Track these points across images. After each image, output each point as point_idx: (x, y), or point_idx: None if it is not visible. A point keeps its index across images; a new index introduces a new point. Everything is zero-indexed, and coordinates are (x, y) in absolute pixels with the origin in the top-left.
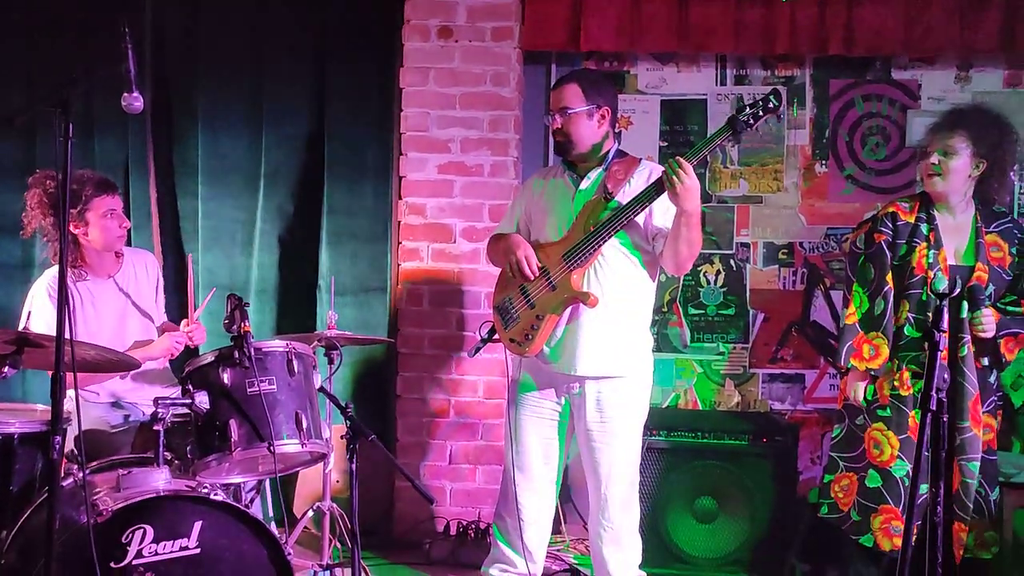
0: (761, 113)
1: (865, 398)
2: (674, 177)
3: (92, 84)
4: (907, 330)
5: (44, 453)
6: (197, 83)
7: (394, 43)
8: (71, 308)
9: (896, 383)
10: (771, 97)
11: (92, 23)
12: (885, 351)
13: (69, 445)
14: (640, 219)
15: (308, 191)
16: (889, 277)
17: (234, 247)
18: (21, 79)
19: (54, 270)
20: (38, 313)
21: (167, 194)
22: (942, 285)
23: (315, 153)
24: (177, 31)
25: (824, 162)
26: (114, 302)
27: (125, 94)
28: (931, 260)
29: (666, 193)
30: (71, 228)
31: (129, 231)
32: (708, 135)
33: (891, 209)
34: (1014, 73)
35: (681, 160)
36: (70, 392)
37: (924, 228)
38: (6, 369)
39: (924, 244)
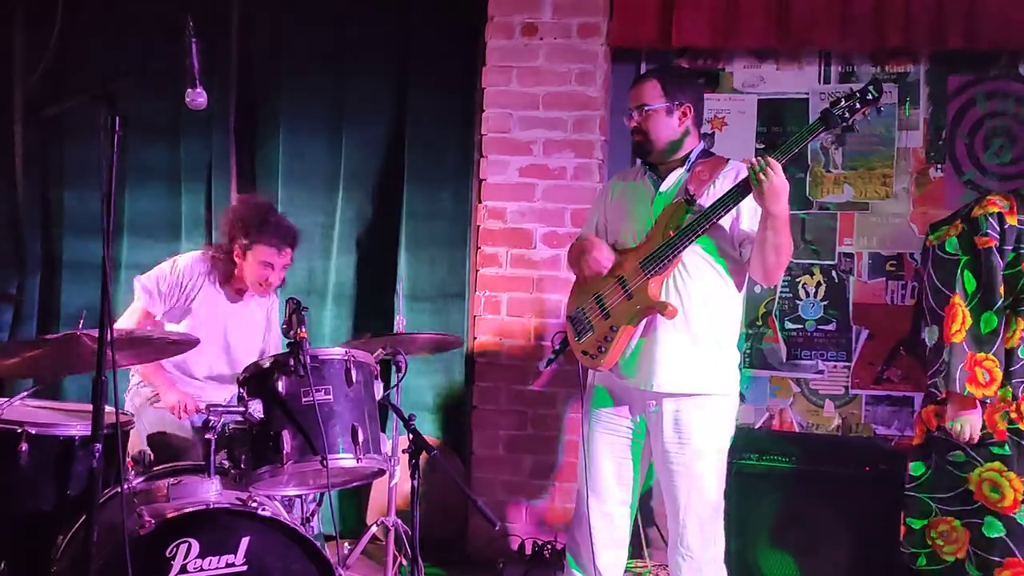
0: (858, 106)
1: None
2: (760, 175)
3: (177, 87)
4: (1022, 352)
5: (104, 456)
6: (280, 86)
7: (477, 42)
8: (188, 304)
9: (1013, 415)
10: (870, 88)
11: (180, 29)
12: (999, 375)
13: (140, 446)
14: (726, 223)
15: (387, 194)
16: (1002, 289)
17: (313, 250)
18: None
19: (192, 255)
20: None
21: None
22: None
23: (395, 156)
24: (262, 36)
25: (940, 166)
26: (232, 319)
27: (189, 90)
28: None
29: (752, 193)
30: (236, 253)
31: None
32: (800, 129)
33: (993, 208)
34: None
35: (769, 158)
36: (140, 391)
37: None
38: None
39: None
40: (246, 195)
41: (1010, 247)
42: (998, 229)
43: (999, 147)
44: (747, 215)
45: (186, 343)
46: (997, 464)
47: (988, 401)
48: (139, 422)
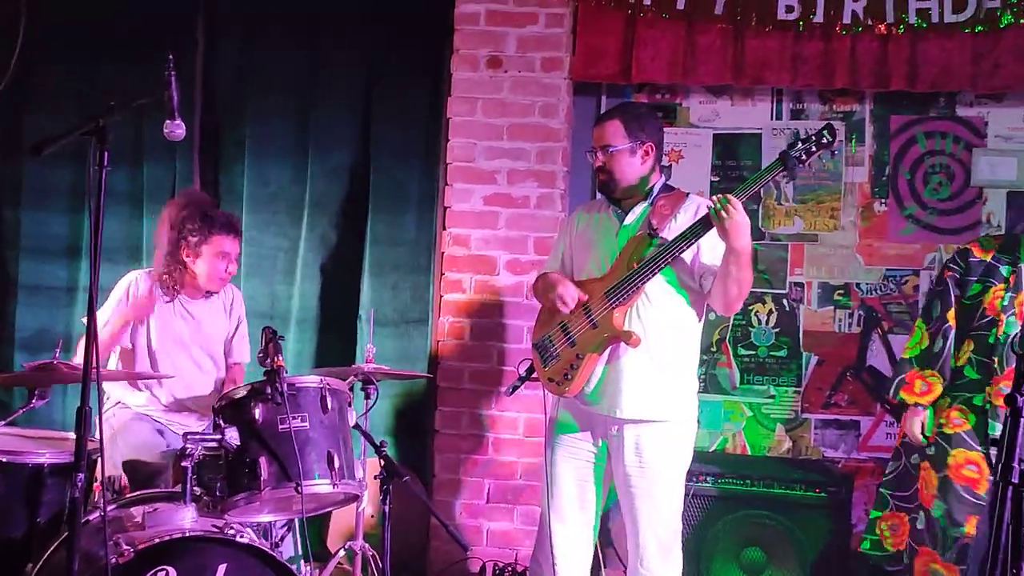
0: (814, 148)
1: (924, 434)
2: (722, 212)
3: (140, 111)
4: (967, 371)
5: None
6: (245, 113)
7: (442, 73)
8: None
9: (943, 420)
10: (824, 132)
11: (145, 52)
12: (938, 389)
13: (112, 470)
14: (687, 256)
15: (352, 220)
16: (951, 314)
17: (276, 276)
18: (70, 105)
19: (141, 272)
20: (107, 304)
21: None
22: (1014, 330)
23: (360, 182)
24: (228, 61)
25: (884, 200)
26: (195, 322)
27: (167, 121)
28: (1006, 303)
29: (714, 229)
30: (183, 253)
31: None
32: (759, 170)
33: (965, 246)
34: None
35: (730, 196)
36: (117, 412)
37: (1004, 269)
38: (35, 400)
39: (1002, 285)
40: (178, 198)
41: (975, 278)
42: (960, 264)
43: (938, 183)
44: (708, 249)
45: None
46: (926, 462)
47: (922, 408)
48: (113, 446)
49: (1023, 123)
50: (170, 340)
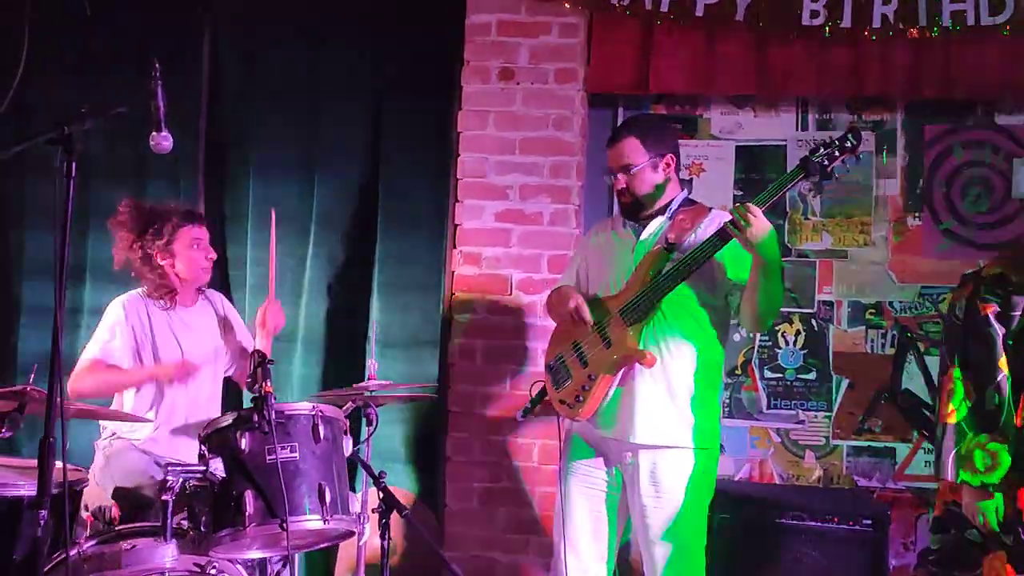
0: (837, 153)
1: (998, 521)
2: (742, 222)
3: (145, 127)
4: None
5: (54, 517)
6: (251, 129)
7: (453, 86)
8: (153, 337)
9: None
10: (849, 136)
11: (148, 67)
12: (1006, 460)
13: (102, 501)
14: (710, 273)
15: (360, 239)
16: (1003, 362)
17: (283, 295)
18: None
19: (132, 294)
20: (97, 334)
21: (217, 241)
22: None
23: (368, 200)
24: (233, 78)
25: (918, 214)
26: (189, 335)
27: (153, 133)
28: None
29: (734, 241)
30: (158, 259)
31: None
32: (779, 177)
33: (998, 270)
34: None
35: (749, 204)
36: (114, 442)
37: None
38: (3, 429)
39: None
40: (120, 212)
41: (1019, 312)
42: (996, 292)
43: (976, 196)
44: (732, 263)
45: (137, 419)
46: (1001, 555)
47: (990, 488)
48: (105, 475)
49: None
50: (168, 356)
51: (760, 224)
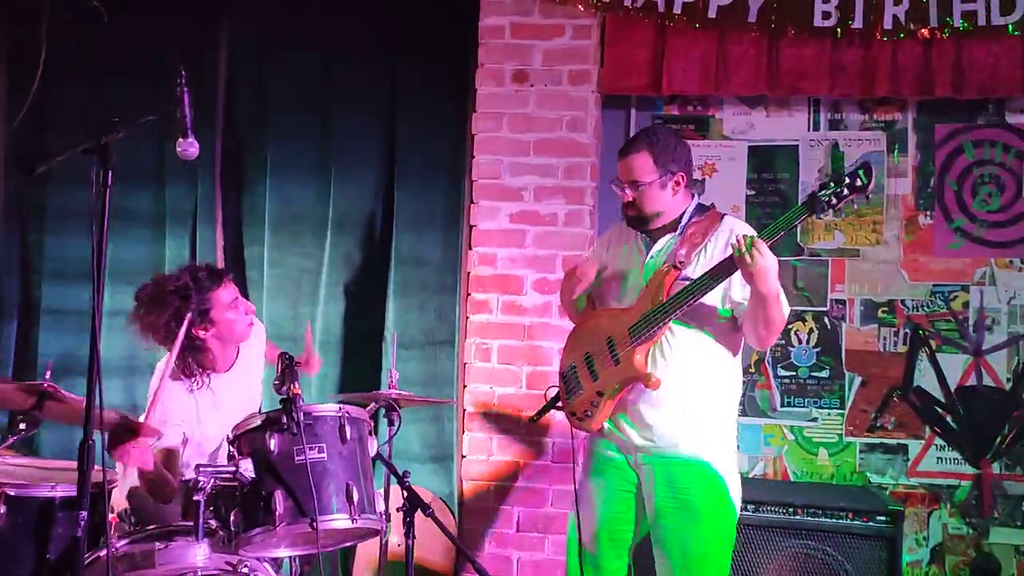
0: (846, 192)
1: None
2: (746, 256)
3: (161, 130)
4: None
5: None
6: (267, 132)
7: (467, 88)
8: (197, 414)
9: None
10: (860, 173)
11: (167, 75)
12: None
13: (122, 504)
14: (718, 294)
15: (376, 240)
16: None
17: (299, 297)
18: (91, 127)
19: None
20: (159, 411)
21: (234, 242)
22: None
23: (384, 201)
24: (249, 80)
25: (929, 213)
26: (237, 391)
27: (180, 139)
28: None
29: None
30: (197, 332)
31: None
32: (786, 212)
33: None
34: None
35: (756, 239)
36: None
37: None
38: (22, 427)
39: None
40: (145, 300)
41: None
42: None
43: (987, 195)
44: (739, 285)
45: None
46: None
47: None
48: (125, 480)
49: None
50: (212, 422)
51: (764, 262)
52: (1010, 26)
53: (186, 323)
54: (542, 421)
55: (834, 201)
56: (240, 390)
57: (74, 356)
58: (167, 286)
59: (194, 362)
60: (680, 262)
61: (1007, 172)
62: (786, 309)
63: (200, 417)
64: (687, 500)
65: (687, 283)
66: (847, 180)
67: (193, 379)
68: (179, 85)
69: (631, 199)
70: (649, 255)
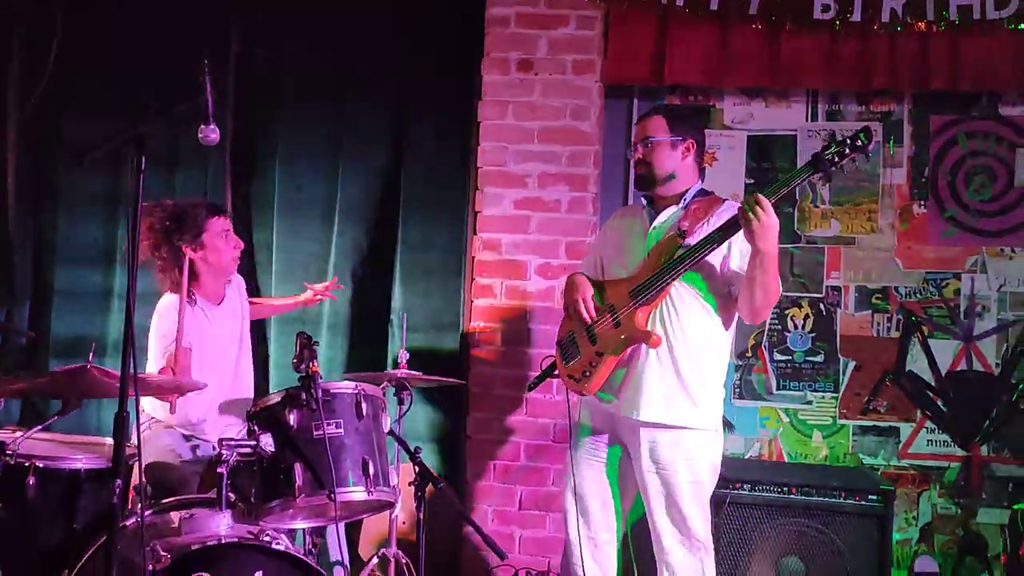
0: (848, 151)
1: None
2: (750, 213)
3: (173, 117)
4: None
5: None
6: (277, 118)
7: (473, 77)
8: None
9: None
10: (860, 135)
11: (179, 58)
12: None
13: (137, 478)
14: (716, 260)
15: (383, 226)
16: None
17: (308, 280)
18: (106, 112)
19: (168, 298)
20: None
21: (243, 228)
22: None
23: (391, 188)
24: (260, 67)
25: (923, 202)
26: (227, 328)
27: (202, 126)
28: None
29: (740, 233)
30: (188, 252)
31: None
32: (791, 171)
33: None
34: None
35: (759, 196)
36: (152, 425)
37: None
38: (69, 410)
39: None
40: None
41: None
42: None
43: (980, 185)
44: (737, 255)
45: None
46: None
47: None
48: (144, 453)
49: None
50: (203, 351)
51: (768, 219)
52: (1004, 21)
53: (182, 239)
54: (544, 402)
55: (836, 159)
56: (230, 330)
57: (86, 338)
58: (171, 204)
59: (189, 284)
60: (683, 230)
61: (999, 163)
62: (779, 285)
63: (200, 334)
64: (669, 469)
65: (689, 248)
66: (848, 141)
67: (190, 300)
68: (204, 73)
69: (641, 156)
70: (653, 225)
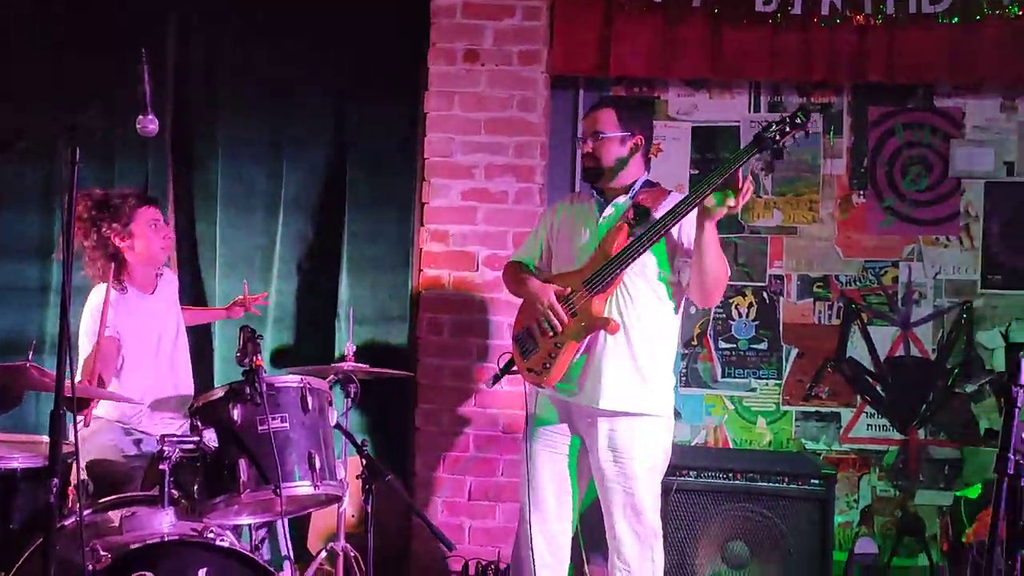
0: (788, 129)
1: None
2: (728, 199)
3: (112, 107)
4: None
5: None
6: (218, 108)
7: (419, 67)
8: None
9: None
10: (799, 113)
11: (115, 46)
12: None
13: (81, 475)
14: (667, 247)
15: (329, 218)
16: None
17: (252, 274)
18: (41, 102)
19: (98, 289)
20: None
21: (185, 220)
22: None
23: (337, 179)
24: (199, 56)
25: (862, 192)
26: (158, 319)
27: (140, 116)
28: None
29: (687, 218)
30: (116, 241)
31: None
32: (736, 152)
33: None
34: None
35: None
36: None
37: None
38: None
39: None
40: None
41: None
42: None
43: (916, 175)
44: (686, 239)
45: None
46: None
47: None
48: (83, 451)
49: (1000, 114)
50: (136, 339)
51: (747, 192)
52: (939, 15)
53: (110, 228)
54: (493, 393)
55: (778, 138)
56: (162, 321)
57: (22, 334)
58: (100, 193)
59: (113, 274)
60: (632, 219)
61: (934, 153)
62: (727, 266)
63: (130, 324)
64: (627, 457)
65: (640, 234)
66: (788, 119)
67: (118, 288)
68: (141, 63)
69: (590, 150)
70: (602, 216)
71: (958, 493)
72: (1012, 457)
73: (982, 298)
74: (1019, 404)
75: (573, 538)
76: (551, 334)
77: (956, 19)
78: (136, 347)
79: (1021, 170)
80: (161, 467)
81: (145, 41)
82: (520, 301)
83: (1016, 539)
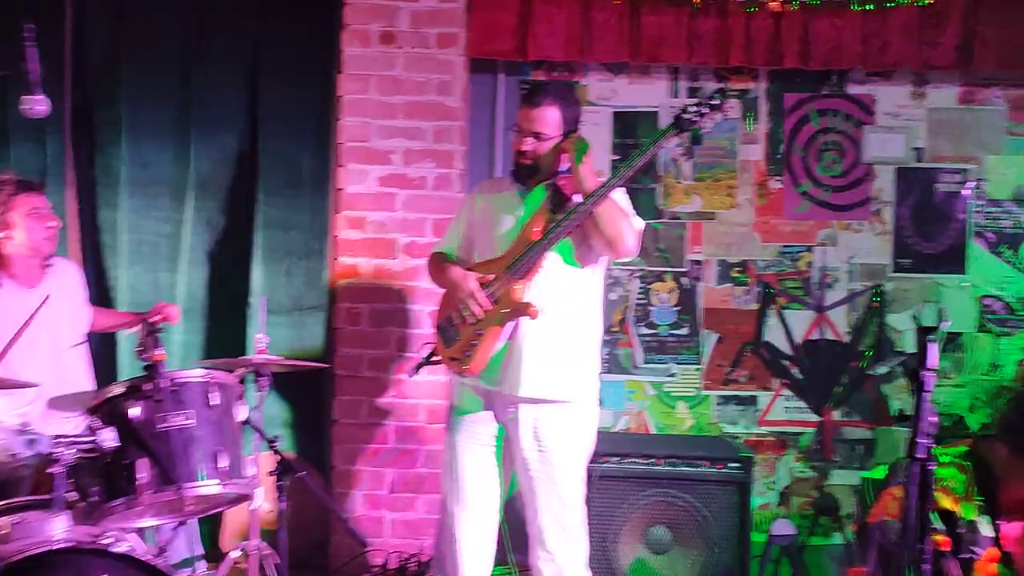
0: (705, 110)
1: None
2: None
3: (5, 88)
4: None
5: None
6: (120, 89)
7: (333, 49)
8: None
9: None
10: (716, 94)
11: (6, 25)
12: None
13: None
14: (586, 231)
15: (240, 204)
16: None
17: (159, 263)
18: None
19: None
20: None
21: (87, 206)
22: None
23: (248, 164)
24: (100, 35)
25: (779, 178)
26: (43, 314)
27: (25, 96)
28: None
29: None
30: None
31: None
32: (655, 132)
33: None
34: (969, 90)
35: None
36: None
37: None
38: None
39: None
40: None
41: None
42: None
43: (831, 161)
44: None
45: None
46: None
47: None
48: None
49: (910, 100)
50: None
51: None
52: (852, 1)
53: None
54: (413, 383)
55: (696, 119)
56: (48, 316)
57: None
58: None
59: None
60: (553, 204)
61: (848, 139)
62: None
63: (7, 320)
64: (552, 446)
65: (558, 220)
66: (705, 101)
67: None
68: (26, 40)
69: (530, 148)
70: (524, 203)
71: (863, 475)
72: (922, 441)
73: (893, 282)
74: (928, 388)
75: (498, 528)
76: (472, 321)
77: (869, 6)
78: (18, 344)
79: (930, 156)
80: (51, 470)
81: (38, 18)
82: (444, 292)
83: (926, 522)
